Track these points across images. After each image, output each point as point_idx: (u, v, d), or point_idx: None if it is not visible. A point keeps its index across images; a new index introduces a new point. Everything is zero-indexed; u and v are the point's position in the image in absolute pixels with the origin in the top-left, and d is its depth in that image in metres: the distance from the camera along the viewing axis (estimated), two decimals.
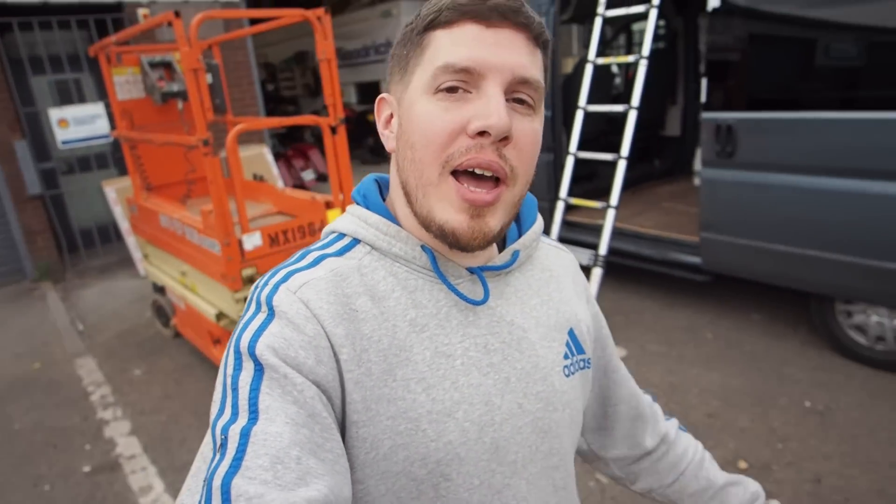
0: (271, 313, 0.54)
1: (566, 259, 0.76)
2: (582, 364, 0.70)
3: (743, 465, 2.29)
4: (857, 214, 2.59)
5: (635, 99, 3.25)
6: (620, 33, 5.33)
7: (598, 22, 3.48)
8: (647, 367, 3.04)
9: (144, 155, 3.67)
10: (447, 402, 0.57)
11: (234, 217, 2.74)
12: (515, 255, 0.65)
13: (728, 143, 2.95)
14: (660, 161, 5.14)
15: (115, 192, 5.06)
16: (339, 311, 0.55)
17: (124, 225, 5.04)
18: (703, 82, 3.01)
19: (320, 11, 2.69)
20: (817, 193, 2.70)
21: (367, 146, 9.89)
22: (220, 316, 2.93)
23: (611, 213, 3.29)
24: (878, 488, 2.11)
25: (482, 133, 0.53)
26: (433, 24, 0.55)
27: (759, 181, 2.90)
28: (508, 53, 0.53)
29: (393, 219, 0.62)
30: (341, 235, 0.63)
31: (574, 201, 3.56)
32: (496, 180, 0.55)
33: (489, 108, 0.52)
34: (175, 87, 3.57)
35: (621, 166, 3.27)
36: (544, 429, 0.63)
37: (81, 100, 5.46)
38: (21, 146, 5.07)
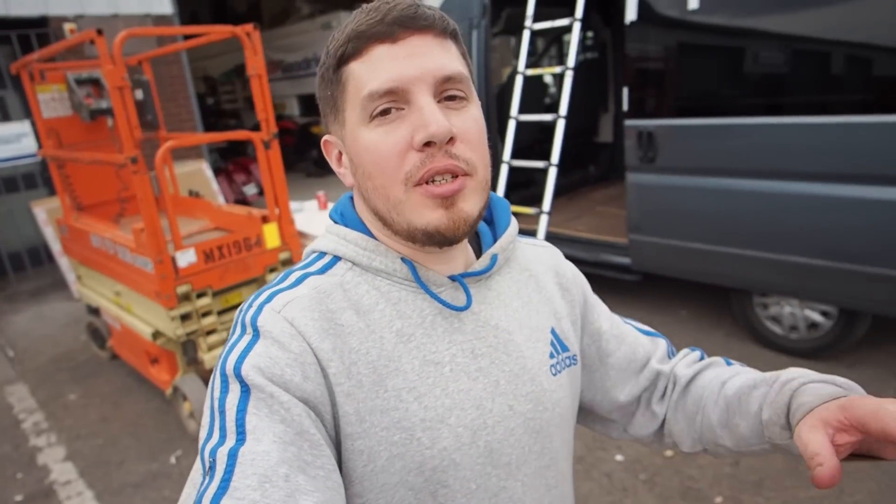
0: (256, 334, 0.54)
1: (544, 255, 0.76)
2: (568, 362, 0.70)
3: (668, 452, 2.43)
4: (764, 212, 2.79)
5: (563, 108, 3.39)
6: (552, 44, 5.53)
7: (525, 34, 3.61)
8: None
9: (73, 174, 3.57)
10: (439, 409, 0.57)
11: (167, 234, 2.71)
12: (494, 259, 0.66)
13: (649, 148, 3.12)
14: (594, 167, 5.34)
15: (46, 213, 4.88)
16: (325, 326, 0.56)
17: (56, 247, 4.87)
18: (625, 91, 3.18)
19: (249, 27, 2.71)
20: (728, 194, 2.89)
21: (311, 158, 9.83)
22: (157, 335, 2.88)
23: (544, 219, 3.41)
24: (791, 468, 2.28)
25: (428, 144, 0.54)
26: (344, 59, 0.56)
27: (678, 184, 3.08)
28: (423, 60, 0.54)
29: (371, 234, 0.62)
30: (322, 254, 0.63)
31: (512, 208, 3.67)
32: (455, 176, 0.56)
33: (425, 118, 0.53)
34: (104, 104, 3.50)
35: (552, 173, 3.40)
36: (536, 429, 0.64)
37: (6, 118, 5.25)
38: None
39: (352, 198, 0.67)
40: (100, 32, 2.33)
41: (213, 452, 0.47)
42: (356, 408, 0.55)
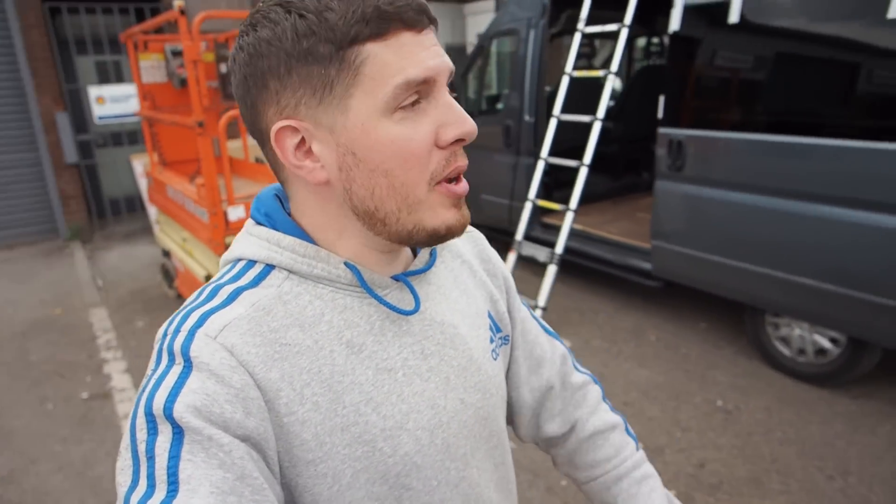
0: (188, 366, 0.48)
1: (471, 241, 0.75)
2: (502, 341, 0.72)
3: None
4: (784, 232, 2.80)
5: (600, 111, 3.51)
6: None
7: (577, 37, 3.74)
8: (586, 358, 3.31)
9: (161, 133, 4.10)
10: (397, 416, 0.57)
11: (224, 192, 3.12)
12: (433, 254, 0.65)
13: (678, 157, 3.19)
14: (648, 174, 5.34)
15: (142, 166, 5.55)
16: (269, 352, 0.51)
17: (145, 196, 5.53)
18: (661, 99, 3.25)
19: None
20: (747, 209, 2.92)
21: None
22: (208, 277, 3.32)
23: (569, 216, 3.55)
24: (753, 478, 2.35)
25: (457, 141, 0.53)
26: (360, 38, 0.49)
27: (702, 195, 3.13)
28: (441, 54, 0.52)
29: (308, 237, 0.57)
30: (251, 263, 0.57)
31: (540, 203, 3.84)
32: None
33: (456, 114, 0.52)
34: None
35: (582, 173, 3.53)
36: (484, 416, 0.65)
37: (119, 80, 5.99)
38: (62, 118, 5.61)
39: (277, 194, 0.61)
40: (182, 13, 2.74)
41: None
42: (314, 432, 0.52)
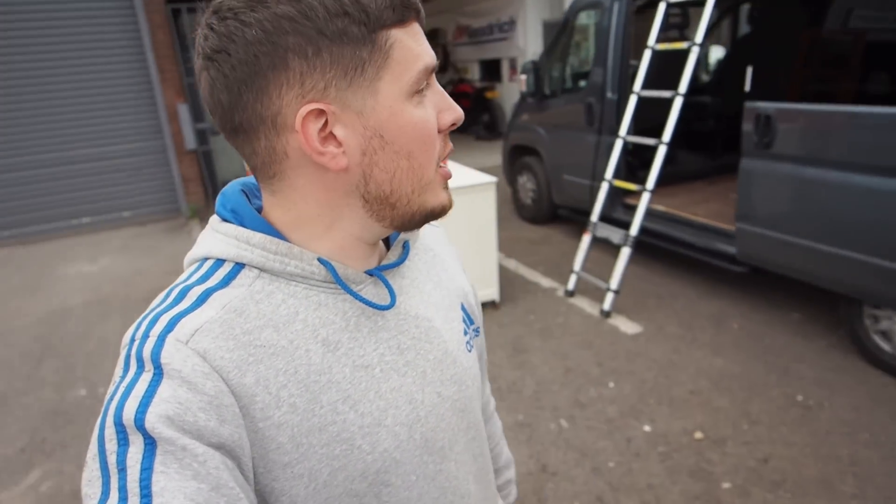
0: (158, 373, 0.46)
1: (438, 232, 0.76)
2: (475, 333, 0.73)
3: (698, 435, 2.45)
4: (883, 214, 2.52)
5: (682, 86, 3.31)
6: (725, 17, 5.15)
7: (661, 7, 3.54)
8: (655, 344, 3.19)
9: None
10: (375, 413, 0.56)
11: None
12: (406, 247, 0.64)
13: (766, 133, 2.95)
14: None
15: None
16: (243, 355, 0.50)
17: None
18: (748, 70, 3.02)
19: None
20: (845, 189, 2.65)
21: (482, 122, 10.27)
22: None
23: (645, 197, 3.41)
24: (823, 479, 2.17)
25: (452, 125, 0.55)
26: (387, 23, 0.49)
27: (793, 174, 2.88)
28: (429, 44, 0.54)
29: (277, 234, 0.56)
30: (219, 262, 0.55)
31: (616, 183, 3.71)
32: None
33: (450, 101, 0.55)
34: None
35: (661, 152, 3.37)
36: (461, 408, 0.65)
37: None
38: (183, 108, 6.23)
39: (244, 189, 0.60)
40: None
41: None
42: (291, 434, 0.51)
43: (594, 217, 3.80)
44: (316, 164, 0.52)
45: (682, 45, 3.40)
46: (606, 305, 3.53)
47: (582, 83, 4.60)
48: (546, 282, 4.15)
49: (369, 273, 0.59)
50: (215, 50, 0.49)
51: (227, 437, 0.46)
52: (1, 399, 3.10)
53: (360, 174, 0.53)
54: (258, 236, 0.54)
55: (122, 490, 0.41)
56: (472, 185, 3.38)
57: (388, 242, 0.65)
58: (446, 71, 11.93)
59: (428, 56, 0.52)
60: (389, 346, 0.59)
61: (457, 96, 10.87)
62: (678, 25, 4.48)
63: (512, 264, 4.53)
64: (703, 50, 3.27)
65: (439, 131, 0.54)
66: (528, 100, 5.10)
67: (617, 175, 3.82)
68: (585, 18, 4.62)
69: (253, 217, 0.56)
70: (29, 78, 5.90)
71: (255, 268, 0.54)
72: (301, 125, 0.49)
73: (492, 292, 3.67)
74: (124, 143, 6.36)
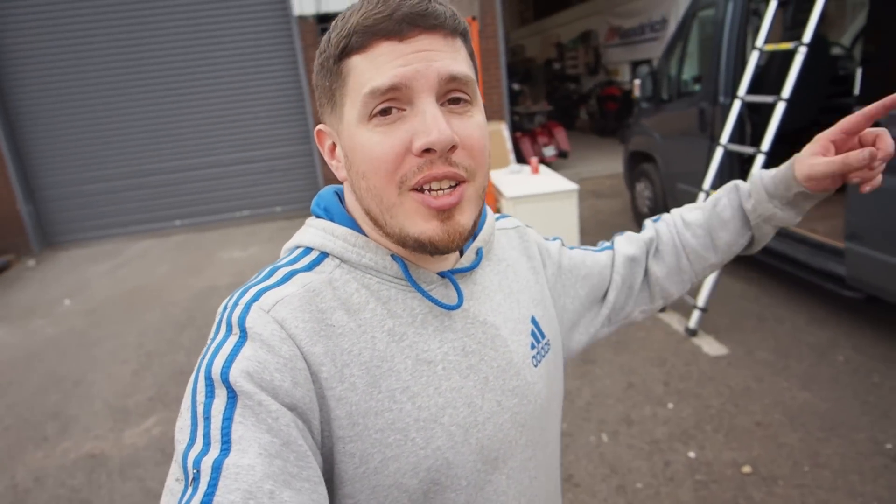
0: (244, 335, 0.51)
1: (514, 236, 0.76)
2: (546, 349, 0.71)
3: (746, 469, 2.25)
4: None
5: (786, 90, 3.01)
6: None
7: (772, 4, 3.24)
8: (737, 369, 2.94)
9: None
10: (433, 409, 0.57)
11: None
12: (480, 253, 0.66)
13: None
14: None
15: None
16: (316, 328, 0.54)
17: None
18: (858, 71, 2.66)
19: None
20: None
21: (629, 125, 9.88)
22: None
23: None
24: None
25: (427, 150, 0.52)
26: (347, 51, 0.53)
27: None
28: (430, 58, 0.52)
29: (360, 230, 0.61)
30: (308, 250, 0.61)
31: (712, 193, 3.46)
32: (455, 184, 0.55)
33: (427, 123, 0.52)
34: None
35: (758, 161, 3.09)
36: (521, 422, 0.64)
37: None
38: None
39: (337, 192, 0.66)
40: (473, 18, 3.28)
41: (197, 462, 0.46)
42: (348, 411, 0.54)
43: None
44: None
45: (789, 45, 3.08)
46: (692, 323, 3.32)
47: (696, 87, 4.32)
48: None
49: (441, 275, 0.62)
50: None
51: (299, 399, 0.50)
52: (147, 356, 3.82)
53: (353, 188, 0.59)
54: (342, 229, 0.60)
55: (207, 437, 0.47)
56: (552, 192, 3.40)
57: (462, 248, 0.65)
58: (597, 74, 11.67)
59: (381, 78, 0.52)
60: (454, 347, 0.60)
61: (604, 99, 10.60)
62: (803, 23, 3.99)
63: None
64: (850, 50, 2.92)
65: (417, 155, 0.53)
66: (643, 105, 4.91)
67: (718, 186, 3.55)
68: (702, 20, 4.33)
69: (341, 213, 0.63)
70: (199, 92, 7.06)
71: (337, 257, 0.60)
72: (317, 139, 0.62)
73: None
74: (278, 147, 7.29)
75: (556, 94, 12.56)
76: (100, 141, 7.03)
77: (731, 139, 3.45)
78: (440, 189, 0.54)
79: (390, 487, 0.55)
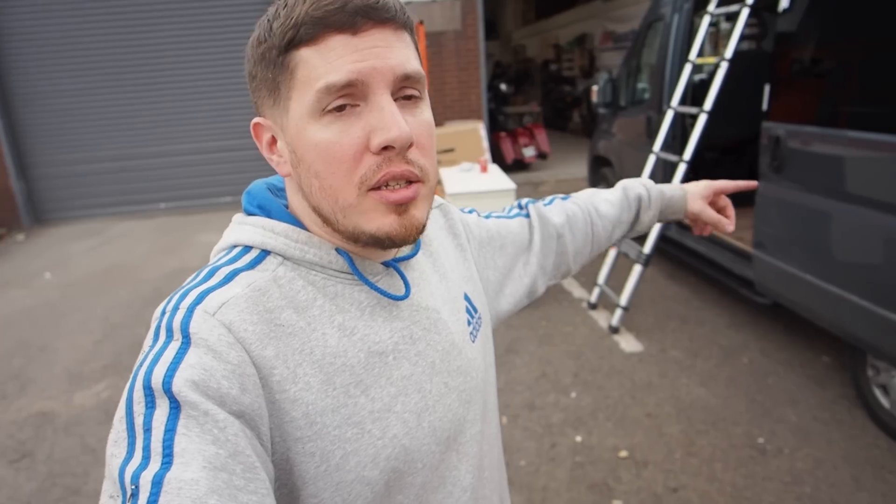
0: (186, 341, 0.49)
1: (438, 215, 0.76)
2: (479, 323, 0.72)
3: (623, 453, 2.45)
4: (886, 257, 2.26)
5: (708, 103, 3.18)
6: None
7: (705, 19, 3.40)
8: (646, 366, 3.13)
9: None
10: (385, 399, 0.57)
11: None
12: (418, 241, 0.66)
13: (775, 156, 2.76)
14: None
15: None
16: (265, 329, 0.52)
17: None
18: (766, 88, 2.83)
19: None
20: (854, 225, 2.40)
21: None
22: None
23: None
24: None
25: (386, 147, 0.52)
26: (294, 43, 0.51)
27: (801, 202, 2.66)
28: (385, 55, 0.51)
29: (301, 225, 0.59)
30: (247, 248, 0.58)
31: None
32: (409, 182, 0.55)
33: (385, 120, 0.51)
34: None
35: (680, 170, 3.26)
36: (467, 399, 0.66)
37: None
38: None
39: (269, 187, 0.64)
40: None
41: (136, 477, 0.42)
42: (305, 411, 0.53)
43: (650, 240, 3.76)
44: None
45: (713, 59, 3.24)
46: (614, 321, 3.51)
47: (646, 96, 4.49)
48: (579, 292, 4.18)
49: (385, 264, 0.62)
50: None
51: (247, 406, 0.48)
52: (111, 328, 4.06)
53: (299, 185, 0.57)
54: (282, 225, 0.58)
55: (146, 450, 0.44)
56: (490, 190, 3.59)
57: None
58: (591, 77, 11.78)
59: (337, 73, 0.50)
60: (403, 336, 0.61)
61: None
62: (756, 36, 4.14)
63: None
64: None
65: (374, 153, 0.52)
66: (600, 111, 5.08)
67: None
68: (653, 32, 4.49)
69: (279, 210, 0.60)
70: (187, 79, 7.32)
71: (279, 255, 0.57)
72: (253, 133, 0.59)
73: None
74: None
75: (552, 96, 12.68)
76: (90, 123, 7.31)
77: (665, 147, 3.62)
78: (396, 184, 0.54)
79: (353, 482, 0.55)
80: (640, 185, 0.96)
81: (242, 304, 0.52)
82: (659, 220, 0.98)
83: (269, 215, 0.60)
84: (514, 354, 3.34)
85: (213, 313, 0.50)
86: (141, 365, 0.48)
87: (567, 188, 7.35)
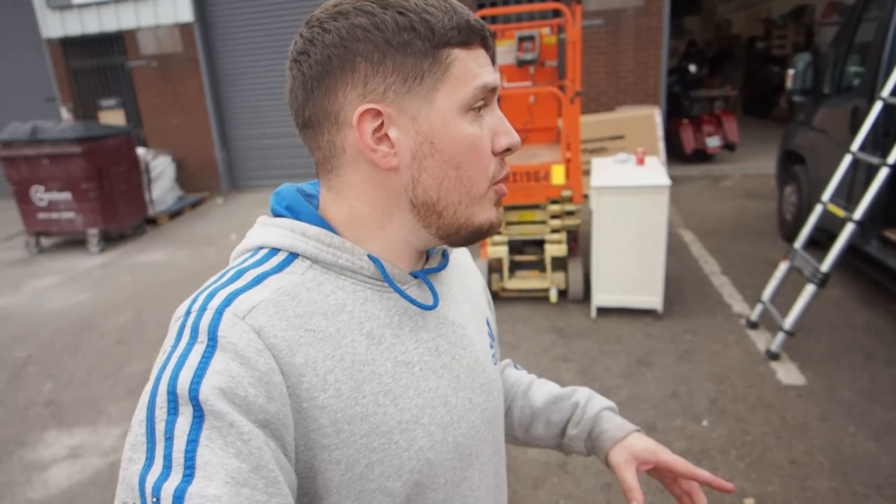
0: (213, 344, 0.48)
1: (464, 251, 0.78)
2: (497, 350, 0.76)
3: (748, 501, 2.11)
4: None
5: None
6: None
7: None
8: (805, 403, 2.66)
9: (501, 107, 5.00)
10: (413, 410, 0.57)
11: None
12: (446, 255, 0.67)
13: None
14: None
15: None
16: (294, 336, 0.52)
17: None
18: None
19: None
20: None
21: None
22: None
23: (848, 228, 2.76)
24: None
25: (507, 150, 0.58)
26: (451, 42, 0.55)
27: None
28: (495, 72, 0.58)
29: (332, 229, 0.58)
30: (274, 251, 0.57)
31: (829, 207, 3.04)
32: None
33: (507, 126, 0.58)
34: (528, 56, 4.68)
35: (881, 174, 2.66)
36: (489, 418, 0.67)
37: None
38: None
39: (299, 190, 0.64)
40: (579, 2, 3.44)
41: (157, 489, 0.42)
42: (333, 419, 0.52)
43: (798, 243, 3.20)
44: (369, 163, 0.56)
45: None
46: (774, 346, 3.03)
47: (856, 82, 3.72)
48: (740, 307, 3.67)
49: (414, 275, 0.62)
50: (300, 52, 0.56)
51: (273, 414, 0.48)
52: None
53: (409, 177, 0.56)
54: (313, 229, 0.57)
55: (167, 458, 0.43)
56: (639, 186, 3.29)
57: (427, 251, 0.66)
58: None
59: (488, 77, 0.56)
60: (428, 348, 0.61)
61: None
62: None
63: (719, 281, 4.09)
64: None
65: (494, 154, 0.57)
66: (796, 98, 4.34)
67: (850, 197, 3.11)
68: (872, 7, 3.68)
69: (309, 212, 0.59)
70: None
71: (308, 259, 0.57)
72: (357, 121, 0.54)
73: (653, 301, 3.50)
74: None
75: (756, 78, 11.23)
76: (279, 101, 8.19)
77: (868, 146, 2.98)
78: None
79: (374, 492, 0.55)
80: (588, 396, 0.84)
81: (272, 309, 0.52)
82: (589, 452, 0.83)
83: (297, 217, 0.59)
84: (646, 367, 3.06)
85: (242, 317, 0.50)
86: (164, 367, 0.48)
87: (754, 184, 6.49)
